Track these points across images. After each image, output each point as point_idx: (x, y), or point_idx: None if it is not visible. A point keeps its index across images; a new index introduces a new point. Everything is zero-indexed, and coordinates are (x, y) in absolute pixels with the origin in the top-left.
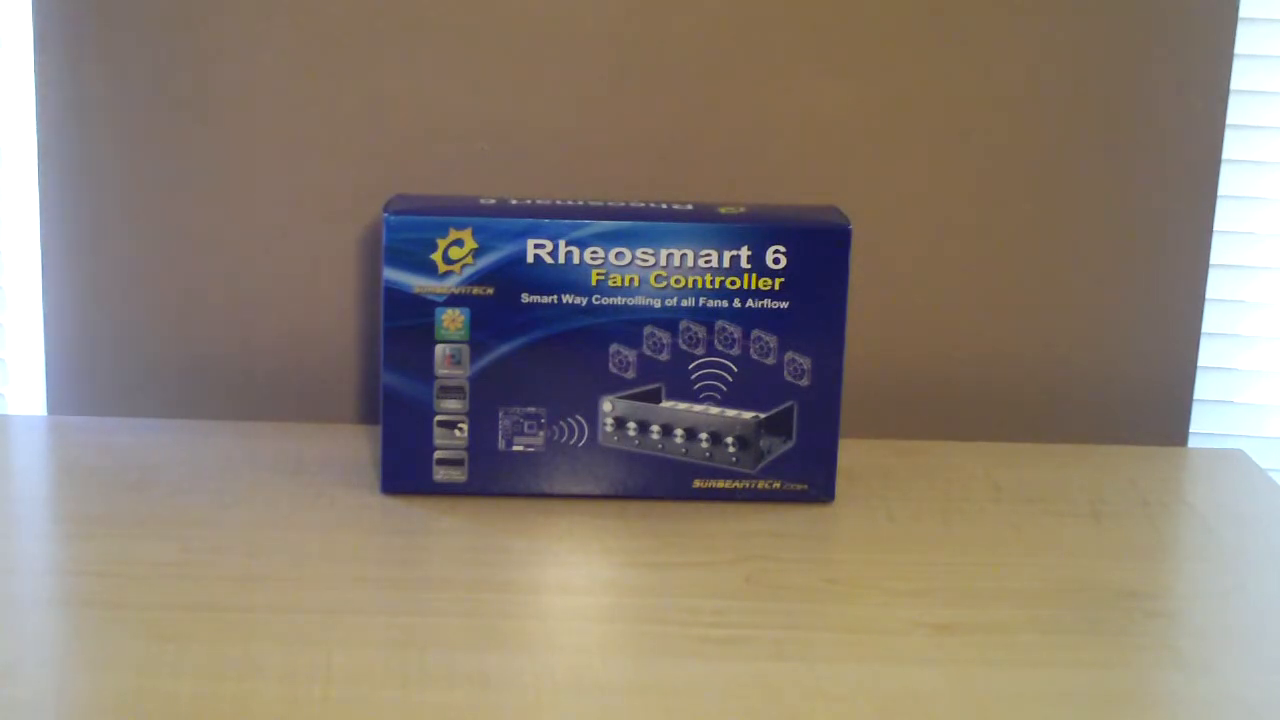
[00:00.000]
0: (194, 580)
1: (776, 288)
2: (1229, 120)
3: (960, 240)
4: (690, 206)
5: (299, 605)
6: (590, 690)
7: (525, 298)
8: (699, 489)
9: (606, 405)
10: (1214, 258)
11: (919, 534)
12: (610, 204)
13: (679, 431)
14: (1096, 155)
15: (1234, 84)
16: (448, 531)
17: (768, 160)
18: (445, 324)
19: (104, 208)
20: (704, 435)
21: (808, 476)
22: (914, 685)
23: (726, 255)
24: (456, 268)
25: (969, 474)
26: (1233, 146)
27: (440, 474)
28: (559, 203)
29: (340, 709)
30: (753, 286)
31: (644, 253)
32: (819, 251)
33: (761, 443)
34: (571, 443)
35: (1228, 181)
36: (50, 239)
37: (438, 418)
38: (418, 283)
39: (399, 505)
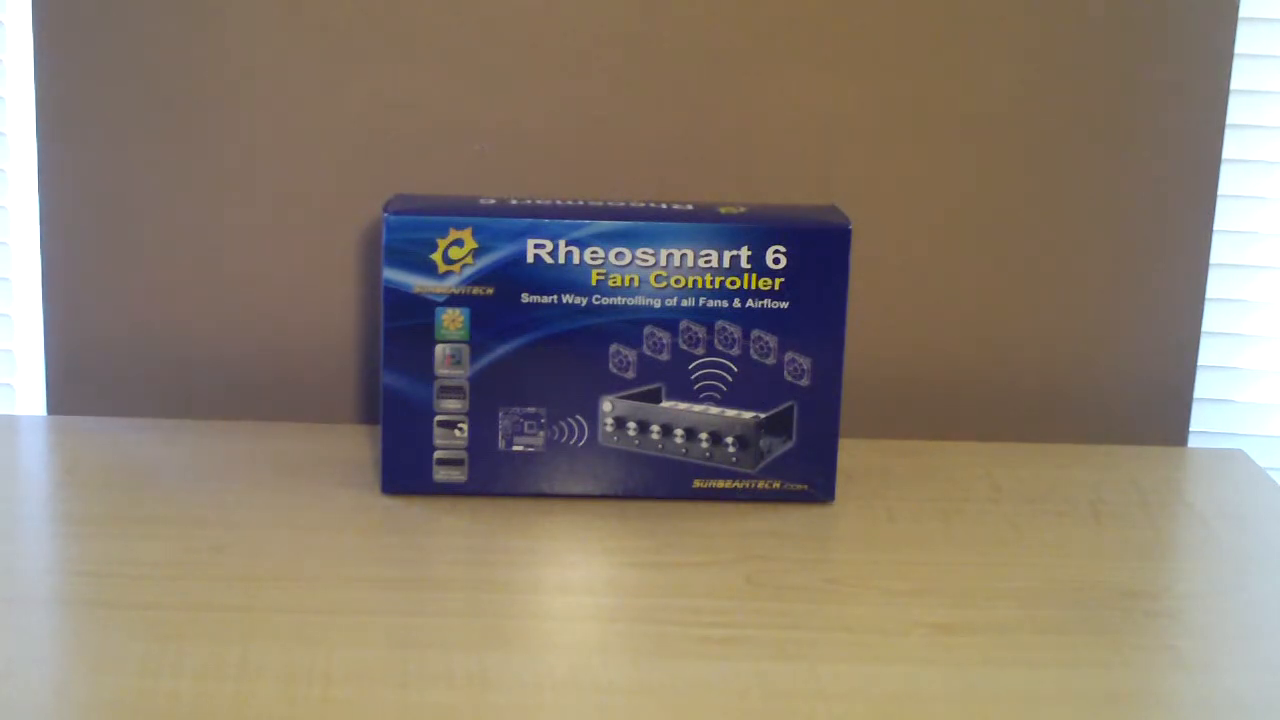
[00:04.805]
0: (194, 580)
1: (776, 288)
2: (1229, 120)
3: (960, 239)
4: (690, 206)
5: (299, 605)
6: (590, 690)
7: (525, 298)
8: (699, 489)
9: (606, 405)
10: (1214, 257)
11: (919, 534)
12: (610, 204)
13: (679, 431)
14: (1096, 155)
15: (1234, 84)
16: (448, 531)
17: (768, 160)
18: (445, 324)
19: (104, 208)
20: (704, 435)
21: (808, 476)
22: (914, 685)
23: (726, 255)
24: (456, 268)
25: (969, 474)
26: (1233, 146)
27: (440, 474)
28: (559, 203)
29: (340, 709)
30: (753, 286)
31: (644, 253)
32: (819, 251)
33: (761, 443)
34: (571, 443)
35: (1228, 181)
36: (50, 239)
37: (438, 418)
38: (418, 283)
39: (399, 505)
